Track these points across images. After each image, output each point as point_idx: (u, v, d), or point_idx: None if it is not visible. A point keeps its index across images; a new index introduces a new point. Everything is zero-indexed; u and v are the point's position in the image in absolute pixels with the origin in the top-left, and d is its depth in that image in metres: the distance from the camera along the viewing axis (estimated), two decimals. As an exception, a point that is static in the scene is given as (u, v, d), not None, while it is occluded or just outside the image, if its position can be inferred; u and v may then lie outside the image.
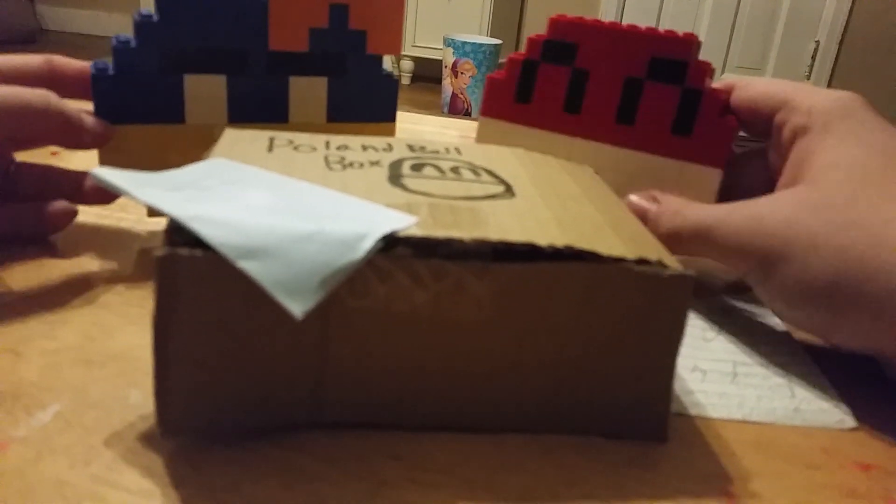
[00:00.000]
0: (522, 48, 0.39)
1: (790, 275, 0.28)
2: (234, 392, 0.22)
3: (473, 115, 2.82)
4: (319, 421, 0.23)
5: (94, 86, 0.32)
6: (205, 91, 0.34)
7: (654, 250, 0.24)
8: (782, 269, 0.28)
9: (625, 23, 0.37)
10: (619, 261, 0.22)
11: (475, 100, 2.85)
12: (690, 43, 0.35)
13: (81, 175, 0.35)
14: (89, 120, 0.32)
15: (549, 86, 0.38)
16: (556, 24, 0.38)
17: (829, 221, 0.27)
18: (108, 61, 0.33)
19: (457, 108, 2.88)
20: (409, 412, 0.24)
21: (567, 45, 0.38)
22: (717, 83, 0.37)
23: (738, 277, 0.35)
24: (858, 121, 0.30)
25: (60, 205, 0.34)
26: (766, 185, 0.33)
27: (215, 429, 0.22)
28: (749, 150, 0.37)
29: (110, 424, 0.23)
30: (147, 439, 0.22)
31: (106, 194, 0.34)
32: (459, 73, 2.83)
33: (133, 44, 0.32)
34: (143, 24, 0.32)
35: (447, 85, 2.89)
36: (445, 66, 2.87)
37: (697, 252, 0.32)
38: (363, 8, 0.36)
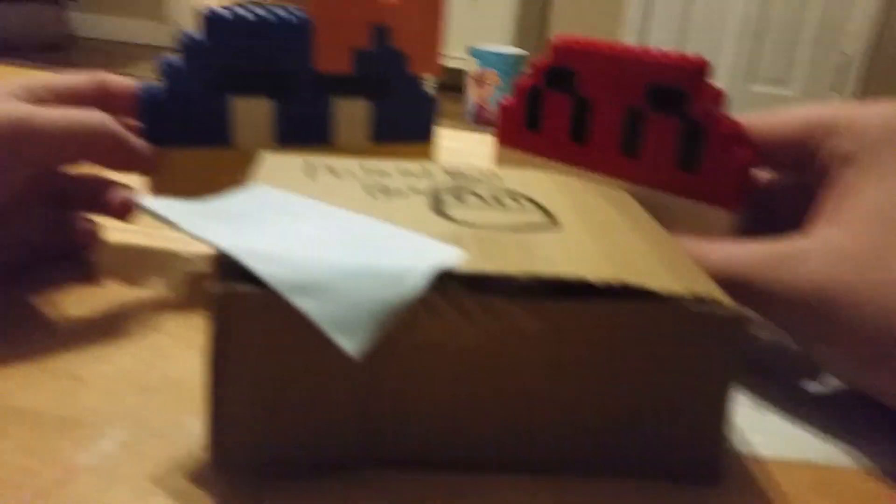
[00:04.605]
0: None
1: (828, 339, 0.26)
2: (286, 429, 0.22)
3: (497, 125, 2.82)
4: (371, 458, 0.23)
5: (142, 108, 0.32)
6: (252, 114, 0.34)
7: (707, 286, 0.23)
8: (819, 333, 0.26)
9: (650, 34, 0.35)
10: (672, 298, 0.22)
11: (499, 110, 2.85)
12: (691, 69, 0.32)
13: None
14: (140, 145, 0.32)
15: (555, 114, 0.37)
16: (555, 49, 0.36)
17: (865, 280, 0.25)
18: (155, 81, 0.33)
19: (481, 118, 2.89)
20: (461, 450, 0.23)
21: (567, 71, 0.36)
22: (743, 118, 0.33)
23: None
24: None
25: (85, 224, 0.34)
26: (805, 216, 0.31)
27: (268, 464, 0.22)
28: (789, 180, 0.34)
29: (171, 454, 0.23)
30: (207, 471, 0.22)
31: (127, 210, 0.34)
32: (484, 84, 2.83)
33: (181, 66, 0.32)
34: (191, 46, 0.32)
35: (471, 95, 2.90)
36: (470, 77, 2.88)
37: None
38: (404, 29, 0.36)
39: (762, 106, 2.98)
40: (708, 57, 0.33)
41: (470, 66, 2.87)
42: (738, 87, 3.11)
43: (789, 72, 3.10)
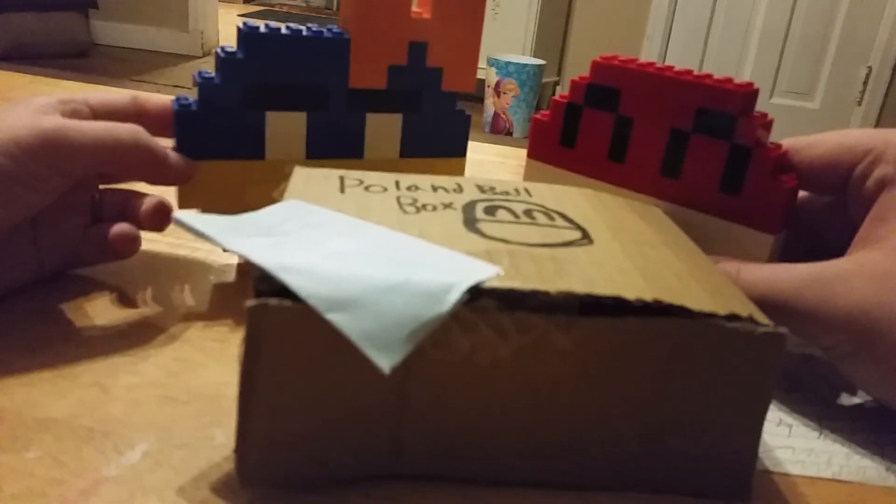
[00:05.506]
0: (565, 69, 0.38)
1: (870, 359, 0.26)
2: (315, 442, 0.22)
3: (515, 135, 2.82)
4: (398, 472, 0.23)
5: (177, 121, 0.32)
6: (285, 128, 0.34)
7: (743, 305, 0.23)
8: (861, 352, 0.27)
9: (671, 47, 0.34)
10: (709, 316, 0.22)
11: (517, 120, 2.85)
12: (741, 95, 0.32)
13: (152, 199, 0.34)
14: (174, 156, 0.32)
15: (593, 132, 0.37)
16: (599, 67, 0.36)
17: None
18: (188, 94, 0.33)
19: (498, 128, 2.89)
20: (488, 465, 0.23)
21: (610, 90, 0.36)
22: (784, 142, 0.34)
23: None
24: None
25: (121, 227, 0.32)
26: (847, 238, 0.31)
27: (294, 479, 0.22)
28: (830, 201, 0.35)
29: (197, 465, 0.23)
30: (232, 482, 0.22)
31: (159, 221, 0.33)
32: (502, 93, 2.84)
33: (217, 80, 0.32)
34: (227, 61, 0.32)
35: (489, 104, 2.90)
36: (488, 86, 2.88)
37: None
38: (441, 45, 0.36)
39: (784, 118, 2.96)
40: (730, 69, 0.33)
41: (489, 75, 2.87)
42: (761, 100, 3.08)
43: (812, 84, 3.08)
